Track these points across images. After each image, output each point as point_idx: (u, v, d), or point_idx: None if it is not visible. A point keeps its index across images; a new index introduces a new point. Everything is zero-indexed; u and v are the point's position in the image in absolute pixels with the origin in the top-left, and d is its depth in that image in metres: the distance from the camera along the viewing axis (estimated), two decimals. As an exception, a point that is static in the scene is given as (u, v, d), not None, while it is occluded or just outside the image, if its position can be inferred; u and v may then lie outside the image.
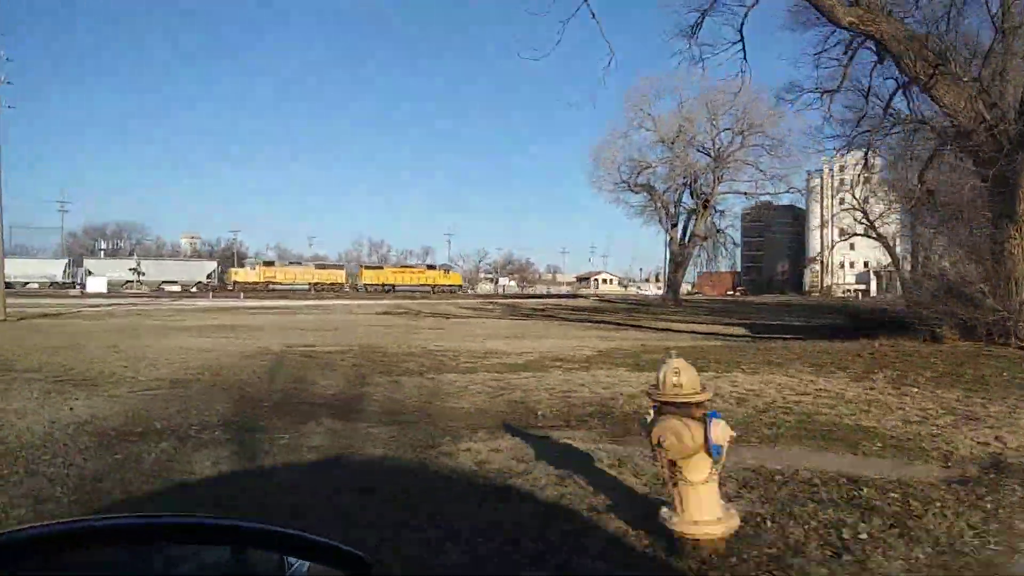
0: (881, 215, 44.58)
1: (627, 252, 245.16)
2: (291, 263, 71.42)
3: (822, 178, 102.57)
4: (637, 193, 53.97)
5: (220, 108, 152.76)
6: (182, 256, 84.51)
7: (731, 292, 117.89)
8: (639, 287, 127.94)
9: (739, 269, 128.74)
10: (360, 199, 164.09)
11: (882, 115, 18.27)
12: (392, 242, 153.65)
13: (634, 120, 52.15)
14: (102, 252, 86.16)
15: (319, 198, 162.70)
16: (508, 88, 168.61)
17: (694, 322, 26.85)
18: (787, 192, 47.84)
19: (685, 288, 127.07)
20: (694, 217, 53.36)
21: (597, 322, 26.33)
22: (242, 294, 56.00)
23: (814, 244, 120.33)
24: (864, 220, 45.72)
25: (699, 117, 50.93)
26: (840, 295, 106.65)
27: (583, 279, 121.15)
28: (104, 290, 62.14)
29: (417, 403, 7.65)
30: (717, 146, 50.58)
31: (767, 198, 48.94)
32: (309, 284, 64.84)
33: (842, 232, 46.21)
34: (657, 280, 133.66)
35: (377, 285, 65.36)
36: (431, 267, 70.68)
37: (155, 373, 9.83)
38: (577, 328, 22.42)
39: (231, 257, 77.12)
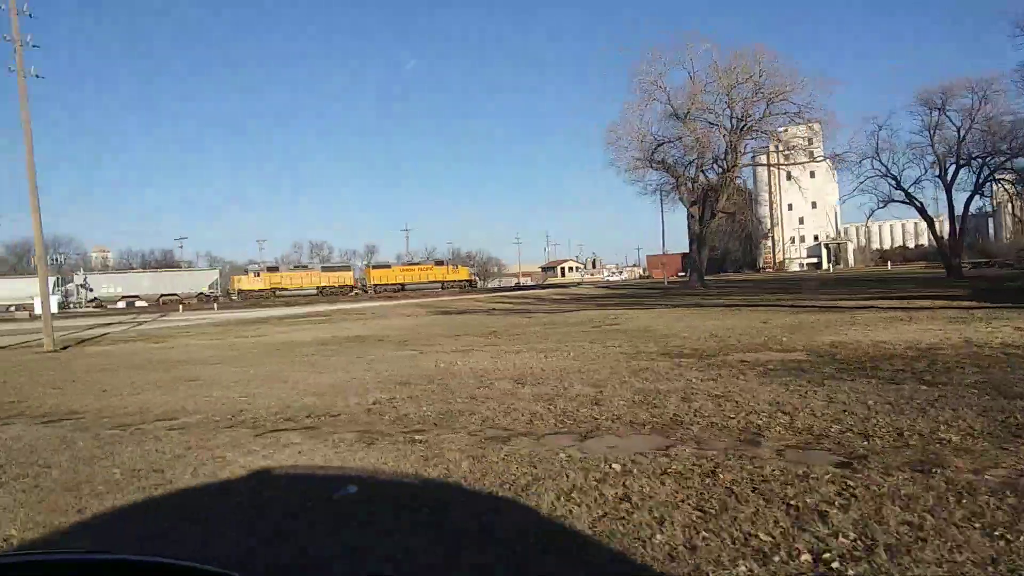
0: (917, 181, 43.71)
1: (570, 239, 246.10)
2: (296, 267, 65.53)
3: (768, 155, 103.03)
4: (656, 170, 51.29)
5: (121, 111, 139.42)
6: (111, 269, 75.52)
7: (681, 274, 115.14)
8: (592, 273, 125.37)
9: (687, 251, 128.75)
10: (288, 201, 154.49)
11: None
12: (333, 242, 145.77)
13: (646, 95, 49.12)
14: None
15: (241, 202, 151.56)
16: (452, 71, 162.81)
17: (816, 300, 22.76)
18: (813, 160, 45.70)
19: (636, 272, 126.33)
20: (710, 195, 51.34)
21: (738, 307, 22.32)
22: (215, 305, 48.77)
23: (765, 220, 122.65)
24: (898, 187, 44.63)
25: (715, 88, 48.48)
26: (795, 269, 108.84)
27: (548, 268, 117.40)
28: (55, 310, 53.78)
29: None
30: (738, 116, 48.24)
31: (796, 169, 46.69)
32: (317, 288, 59.34)
33: (880, 201, 44.78)
34: (595, 266, 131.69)
35: (386, 285, 59.95)
36: (439, 263, 65.41)
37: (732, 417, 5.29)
38: (769, 313, 18.22)
39: (175, 267, 69.36)
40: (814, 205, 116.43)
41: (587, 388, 6.90)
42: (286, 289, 57.69)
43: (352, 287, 61.76)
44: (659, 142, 50.26)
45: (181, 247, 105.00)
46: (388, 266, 66.10)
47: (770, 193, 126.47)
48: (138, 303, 56.25)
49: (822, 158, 46.65)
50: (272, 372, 9.67)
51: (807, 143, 50.06)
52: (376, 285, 60.97)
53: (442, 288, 61.16)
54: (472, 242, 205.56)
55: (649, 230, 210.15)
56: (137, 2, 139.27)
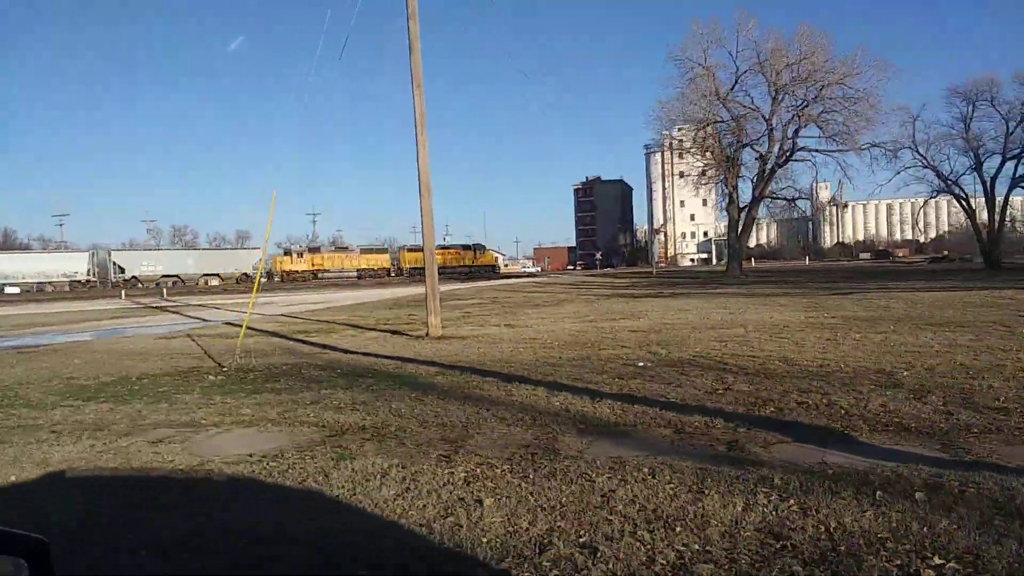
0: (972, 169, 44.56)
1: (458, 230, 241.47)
2: (337, 249, 63.68)
3: (662, 151, 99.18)
4: (700, 154, 50.10)
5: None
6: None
7: (570, 267, 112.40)
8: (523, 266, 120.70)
9: (574, 244, 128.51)
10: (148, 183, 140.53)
11: None
12: (198, 227, 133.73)
13: (688, 76, 47.40)
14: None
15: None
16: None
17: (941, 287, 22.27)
18: (867, 148, 45.57)
19: (529, 263, 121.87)
20: (746, 179, 50.64)
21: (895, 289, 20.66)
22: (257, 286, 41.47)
23: (657, 215, 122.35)
24: (940, 177, 45.99)
25: (759, 69, 47.44)
26: (686, 264, 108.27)
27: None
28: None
29: None
30: (788, 100, 47.35)
31: (851, 155, 46.31)
32: (357, 270, 58.93)
33: (932, 191, 45.22)
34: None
35: (420, 268, 54.69)
36: (467, 247, 62.76)
37: None
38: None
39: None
40: (704, 203, 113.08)
41: None
42: (328, 271, 56.56)
43: (388, 270, 60.90)
44: (701, 125, 48.94)
45: (62, 224, 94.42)
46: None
47: (663, 188, 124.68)
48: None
49: (868, 145, 46.61)
50: None
51: (846, 130, 49.21)
52: (411, 268, 59.25)
53: (469, 273, 60.79)
54: (365, 231, 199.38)
55: (522, 222, 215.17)
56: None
